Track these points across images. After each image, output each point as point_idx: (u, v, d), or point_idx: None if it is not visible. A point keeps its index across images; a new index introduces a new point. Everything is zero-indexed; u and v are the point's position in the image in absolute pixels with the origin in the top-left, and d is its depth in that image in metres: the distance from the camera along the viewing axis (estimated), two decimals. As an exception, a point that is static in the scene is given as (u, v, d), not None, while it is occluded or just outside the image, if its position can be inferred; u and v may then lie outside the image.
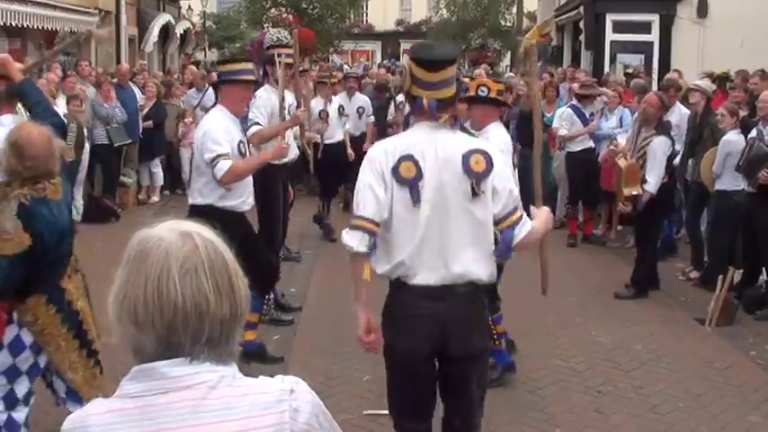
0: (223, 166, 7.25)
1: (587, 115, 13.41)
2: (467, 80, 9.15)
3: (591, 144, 13.36)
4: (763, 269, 10.21)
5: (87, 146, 14.10)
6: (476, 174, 4.54)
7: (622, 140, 11.47)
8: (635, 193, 10.10)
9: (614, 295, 10.50)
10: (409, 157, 4.53)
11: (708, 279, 10.51)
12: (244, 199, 7.70)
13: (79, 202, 14.20)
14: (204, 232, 2.04)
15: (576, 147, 13.44)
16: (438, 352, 4.65)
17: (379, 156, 4.58)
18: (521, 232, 4.66)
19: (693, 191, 11.57)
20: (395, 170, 4.52)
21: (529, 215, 4.88)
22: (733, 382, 7.88)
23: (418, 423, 4.80)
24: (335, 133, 13.42)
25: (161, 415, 1.95)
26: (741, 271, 10.05)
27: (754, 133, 9.91)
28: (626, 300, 10.36)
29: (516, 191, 4.70)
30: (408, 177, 4.51)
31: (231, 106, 7.59)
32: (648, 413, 7.13)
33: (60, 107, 13.27)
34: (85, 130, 13.96)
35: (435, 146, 4.57)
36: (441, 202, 4.54)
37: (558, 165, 14.44)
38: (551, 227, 5.41)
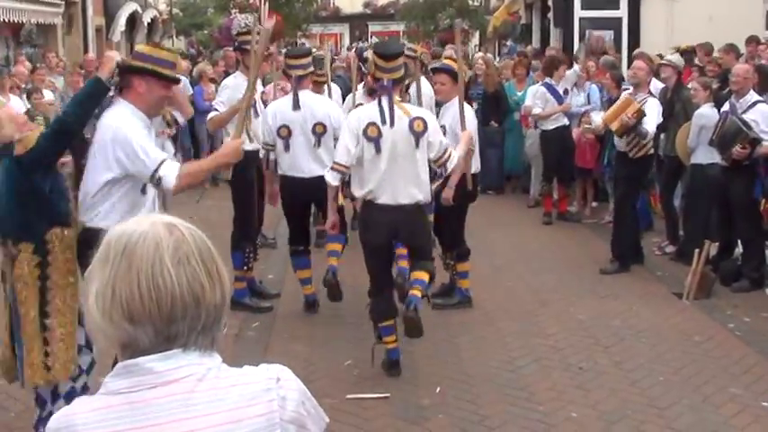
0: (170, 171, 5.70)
1: (561, 92, 13.41)
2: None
3: (565, 121, 13.38)
4: (739, 242, 10.26)
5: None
6: (417, 133, 7.13)
7: (596, 117, 11.50)
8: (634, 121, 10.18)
9: (600, 271, 10.54)
10: (373, 123, 7.12)
11: (684, 253, 10.56)
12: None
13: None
14: (183, 222, 2.04)
15: (549, 125, 13.44)
16: (394, 240, 7.51)
17: (354, 121, 7.27)
18: (451, 163, 7.35)
19: (666, 165, 11.60)
20: (364, 131, 7.13)
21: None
22: (713, 354, 7.93)
23: (381, 284, 7.52)
24: None
25: (150, 410, 1.94)
26: (717, 244, 10.10)
27: (726, 107, 9.96)
28: (605, 275, 10.42)
29: (445, 140, 7.42)
30: (373, 136, 7.12)
31: (143, 104, 5.82)
32: (629, 388, 7.16)
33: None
34: (54, 123, 13.86)
35: (391, 114, 7.11)
36: (394, 151, 7.10)
37: (532, 143, 14.45)
38: (470, 146, 8.10)
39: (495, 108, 15.19)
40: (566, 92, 13.50)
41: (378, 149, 7.09)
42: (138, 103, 5.72)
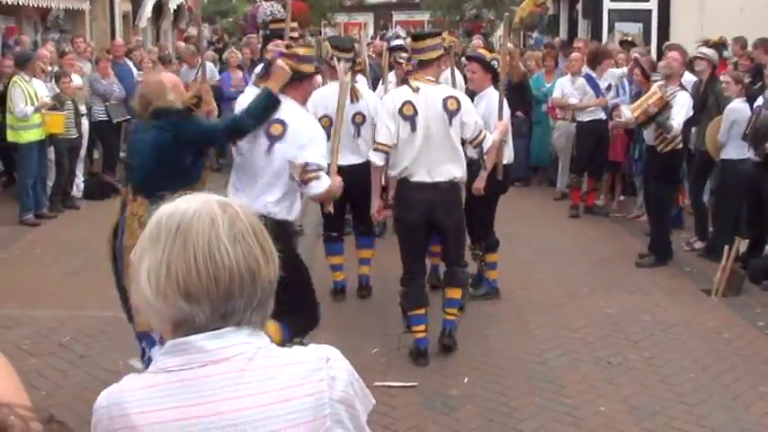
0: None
1: (602, 86, 13.34)
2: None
3: (602, 115, 13.24)
4: (769, 238, 10.18)
5: (86, 123, 14.07)
6: (450, 111, 7.29)
7: (626, 110, 11.43)
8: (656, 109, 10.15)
9: (636, 265, 10.48)
10: (408, 102, 7.29)
11: (713, 249, 10.48)
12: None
13: (80, 179, 14.22)
14: (236, 201, 2.05)
15: (586, 117, 13.38)
16: (430, 222, 7.43)
17: (389, 102, 7.46)
18: (486, 145, 7.56)
19: (697, 160, 11.51)
20: (400, 110, 7.30)
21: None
22: (743, 352, 7.87)
23: (414, 268, 7.58)
24: None
25: (201, 388, 1.94)
26: (747, 241, 10.00)
27: (760, 101, 9.87)
28: (637, 269, 10.38)
29: (480, 121, 7.57)
30: (408, 114, 7.27)
31: (304, 100, 6.81)
32: (659, 384, 7.13)
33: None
34: (83, 107, 13.91)
35: (425, 93, 7.31)
36: (428, 129, 7.26)
37: (559, 135, 14.40)
38: (505, 134, 8.29)
39: (520, 99, 15.11)
40: (609, 87, 13.39)
41: (413, 127, 7.25)
42: (301, 99, 6.65)
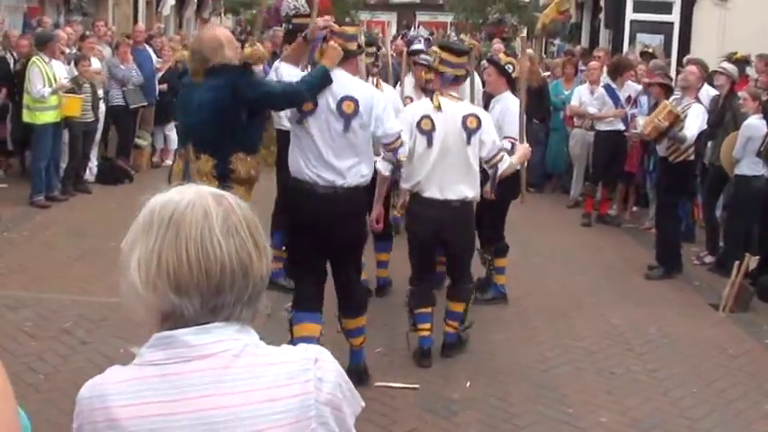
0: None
1: (622, 97, 13.29)
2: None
3: (621, 126, 13.15)
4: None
5: (103, 107, 14.08)
6: (470, 129, 7.19)
7: (642, 122, 11.38)
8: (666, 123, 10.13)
9: (645, 277, 10.45)
10: (427, 116, 7.20)
11: (723, 264, 10.44)
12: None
13: (94, 163, 14.24)
14: (230, 194, 2.03)
15: (604, 126, 13.33)
16: (438, 238, 7.40)
17: (408, 114, 7.42)
18: (502, 167, 7.42)
19: (711, 174, 11.49)
20: (418, 124, 7.20)
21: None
22: (747, 369, 7.84)
23: (423, 273, 7.59)
24: None
25: (184, 383, 1.91)
26: (757, 258, 9.96)
27: (776, 119, 9.86)
28: (645, 280, 10.36)
29: (498, 141, 7.49)
30: (426, 129, 7.18)
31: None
32: (661, 397, 7.10)
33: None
34: (101, 91, 13.92)
35: (446, 110, 7.20)
36: (445, 145, 7.17)
37: (575, 143, 14.38)
38: (527, 159, 8.26)
39: (538, 105, 15.06)
40: (628, 99, 13.33)
41: (429, 143, 7.18)
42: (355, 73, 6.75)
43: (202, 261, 1.90)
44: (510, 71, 8.63)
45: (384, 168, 7.07)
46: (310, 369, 2.00)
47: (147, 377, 1.92)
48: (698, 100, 10.53)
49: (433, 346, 7.52)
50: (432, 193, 7.24)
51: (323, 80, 6.30)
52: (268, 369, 1.96)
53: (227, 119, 5.94)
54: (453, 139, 7.18)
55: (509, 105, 8.39)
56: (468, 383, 7.11)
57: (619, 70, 13.58)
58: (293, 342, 6.22)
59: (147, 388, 1.91)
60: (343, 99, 6.34)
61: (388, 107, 6.70)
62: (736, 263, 9.44)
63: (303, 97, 6.24)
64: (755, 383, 7.49)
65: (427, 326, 7.46)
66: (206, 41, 6.15)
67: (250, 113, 6.09)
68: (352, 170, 6.45)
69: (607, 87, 13.37)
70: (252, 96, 6.00)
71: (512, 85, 8.61)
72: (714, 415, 6.82)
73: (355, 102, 6.36)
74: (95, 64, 13.93)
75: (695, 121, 10.11)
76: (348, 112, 6.36)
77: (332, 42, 6.47)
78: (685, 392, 7.19)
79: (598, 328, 8.63)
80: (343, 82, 6.41)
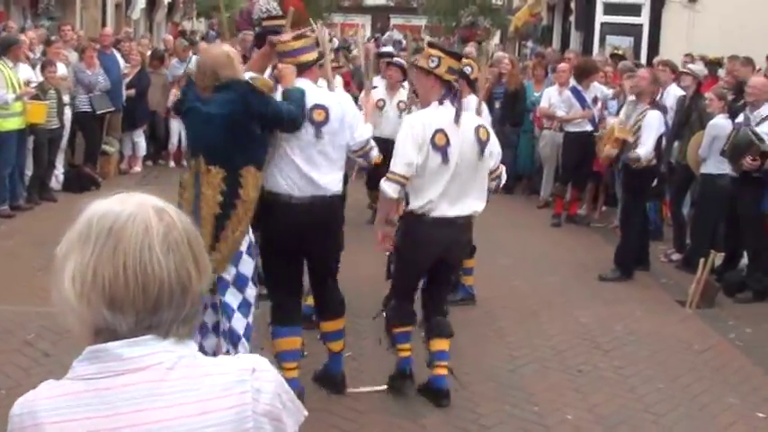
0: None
1: (588, 99, 13.33)
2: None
3: (589, 127, 13.15)
4: (744, 253, 10.22)
5: (69, 113, 13.94)
6: (482, 141, 6.59)
7: (611, 122, 11.43)
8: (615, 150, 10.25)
9: (598, 277, 10.44)
10: (441, 130, 6.45)
11: (690, 261, 10.53)
12: None
13: (60, 171, 14.09)
14: (172, 207, 1.96)
15: (573, 127, 13.38)
16: (438, 260, 6.78)
17: (418, 128, 6.48)
18: (502, 179, 7.04)
19: (678, 173, 11.58)
20: (432, 139, 6.43)
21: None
22: (712, 364, 7.90)
23: (410, 289, 7.03)
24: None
25: (116, 398, 1.86)
26: (722, 254, 10.06)
27: (741, 118, 9.92)
28: (606, 281, 10.35)
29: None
30: (441, 144, 6.44)
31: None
32: (627, 393, 7.14)
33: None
34: (66, 97, 13.79)
35: (458, 121, 6.52)
36: (461, 161, 6.50)
37: (545, 144, 14.42)
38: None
39: (512, 109, 15.09)
40: (595, 100, 13.37)
41: (445, 159, 6.46)
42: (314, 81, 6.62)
43: (140, 277, 1.84)
44: (468, 73, 8.50)
45: (392, 190, 6.50)
46: (247, 380, 1.95)
47: (78, 392, 1.88)
48: (654, 104, 10.46)
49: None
50: (441, 211, 6.55)
51: (303, 101, 6.30)
52: (203, 381, 1.91)
53: (239, 132, 6.01)
54: (469, 153, 6.55)
55: (476, 109, 8.06)
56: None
57: (585, 73, 13.62)
58: (278, 357, 6.47)
59: (79, 403, 1.86)
60: (312, 108, 6.31)
61: (357, 113, 6.67)
62: (702, 260, 9.50)
63: (299, 124, 6.25)
64: (720, 378, 7.56)
65: (407, 346, 7.04)
66: (216, 57, 6.20)
67: (261, 128, 6.14)
68: (327, 179, 6.40)
69: (573, 89, 13.42)
70: (264, 112, 6.05)
71: (472, 87, 8.51)
72: (679, 409, 6.87)
73: (325, 109, 6.34)
74: (61, 69, 13.78)
75: (650, 133, 10.11)
76: (319, 119, 6.32)
77: (279, 66, 6.51)
78: (651, 388, 7.23)
79: (566, 327, 8.66)
80: (310, 91, 6.38)
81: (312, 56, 6.58)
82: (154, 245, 1.85)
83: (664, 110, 10.71)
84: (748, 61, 13.47)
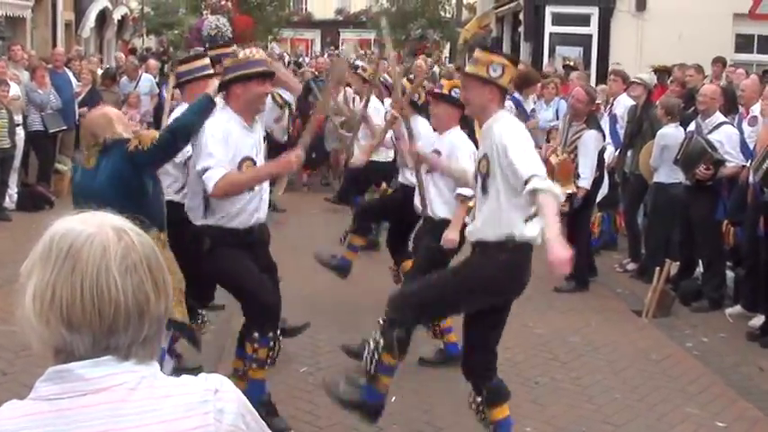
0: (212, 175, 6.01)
1: (528, 110, 13.43)
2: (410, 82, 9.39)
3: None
4: (699, 261, 10.31)
5: (21, 132, 13.87)
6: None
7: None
8: (569, 191, 9.92)
9: (554, 289, 10.44)
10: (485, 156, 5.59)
11: (645, 271, 10.62)
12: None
13: (13, 190, 14.00)
14: (133, 228, 1.95)
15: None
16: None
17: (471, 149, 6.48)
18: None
19: (632, 183, 11.66)
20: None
21: None
22: (670, 373, 7.94)
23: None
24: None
25: (78, 419, 1.84)
26: (677, 263, 10.14)
27: (692, 127, 10.02)
28: (562, 293, 10.39)
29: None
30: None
31: (242, 104, 6.25)
32: (586, 404, 7.16)
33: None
34: (18, 117, 13.70)
35: None
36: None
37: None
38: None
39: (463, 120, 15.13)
40: (533, 111, 13.50)
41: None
42: (237, 105, 6.17)
43: (96, 300, 1.83)
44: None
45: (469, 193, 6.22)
46: (210, 400, 1.94)
47: (41, 412, 1.86)
48: (589, 124, 10.40)
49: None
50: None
51: (202, 108, 6.11)
52: (165, 401, 1.90)
53: (131, 192, 5.76)
54: None
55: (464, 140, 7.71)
56: (394, 398, 7.07)
57: (526, 83, 13.73)
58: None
59: (41, 424, 1.84)
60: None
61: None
62: (658, 269, 9.58)
63: (191, 125, 6.06)
64: (678, 387, 7.60)
65: (390, 380, 6.15)
66: (95, 119, 6.12)
67: (154, 184, 6.06)
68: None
69: (513, 99, 13.47)
70: (151, 157, 5.88)
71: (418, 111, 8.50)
72: (638, 420, 6.89)
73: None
74: (14, 89, 13.71)
75: (586, 158, 10.18)
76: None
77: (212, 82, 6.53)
78: (609, 399, 7.26)
79: (522, 338, 8.66)
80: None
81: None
82: (111, 267, 1.84)
83: (599, 127, 10.68)
84: (700, 69, 13.64)
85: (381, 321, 6.04)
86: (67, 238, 1.87)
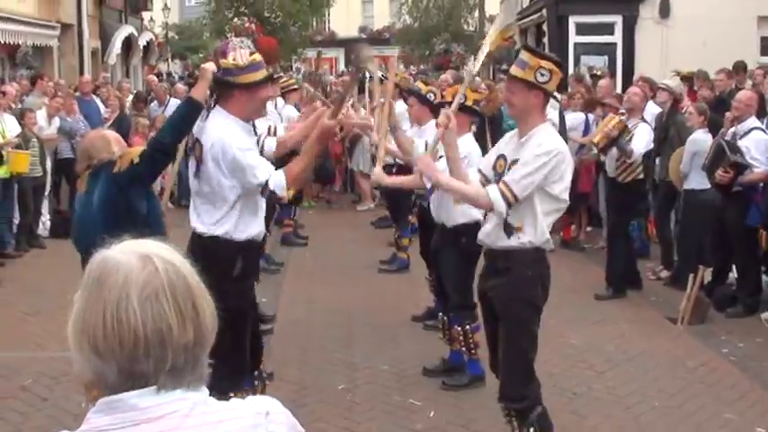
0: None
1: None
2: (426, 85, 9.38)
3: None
4: (733, 267, 10.25)
5: (49, 161, 14.00)
6: None
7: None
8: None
9: (594, 297, 10.45)
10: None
11: (678, 278, 10.56)
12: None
13: (46, 217, 14.14)
14: (166, 253, 1.94)
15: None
16: None
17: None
18: None
19: (661, 190, 11.63)
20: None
21: None
22: (706, 380, 7.91)
23: None
24: None
25: None
26: (711, 269, 10.08)
27: (728, 134, 10.00)
28: (601, 300, 10.37)
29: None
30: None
31: (245, 111, 5.81)
32: (624, 414, 7.14)
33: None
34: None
35: None
36: None
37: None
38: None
39: (491, 134, 15.07)
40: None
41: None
42: (239, 110, 5.69)
43: (116, 327, 1.84)
44: (431, 99, 8.63)
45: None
46: (261, 423, 1.96)
47: None
48: (643, 120, 10.68)
49: None
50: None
51: (185, 114, 5.73)
52: (218, 427, 1.91)
53: (121, 215, 5.57)
54: None
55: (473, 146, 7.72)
56: (432, 413, 7.11)
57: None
58: None
59: None
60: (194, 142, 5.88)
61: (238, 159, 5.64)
62: (691, 276, 9.54)
63: (166, 143, 5.76)
64: (714, 394, 7.57)
65: None
66: (93, 139, 6.05)
67: (149, 203, 5.93)
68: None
69: (561, 111, 13.38)
70: (128, 181, 5.70)
71: (435, 113, 8.45)
72: (676, 428, 6.87)
73: (201, 145, 5.70)
74: (40, 117, 13.89)
75: (642, 138, 10.26)
76: (197, 155, 5.81)
77: (205, 65, 6.05)
78: (647, 407, 7.23)
79: (557, 349, 8.64)
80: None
81: (248, 78, 5.72)
82: (131, 295, 1.85)
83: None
84: (730, 73, 13.57)
85: (513, 422, 5.84)
86: (99, 266, 1.90)
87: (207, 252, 5.49)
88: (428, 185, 6.55)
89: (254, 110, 5.85)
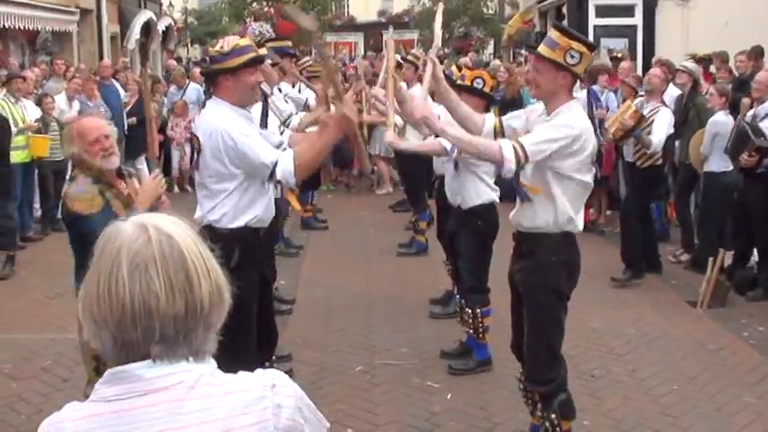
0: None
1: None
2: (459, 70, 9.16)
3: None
4: (754, 250, 10.19)
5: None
6: None
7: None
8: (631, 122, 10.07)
9: (611, 279, 10.41)
10: None
11: (698, 261, 10.50)
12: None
13: (64, 200, 14.21)
14: (165, 225, 1.94)
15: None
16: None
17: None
18: None
19: (681, 173, 11.57)
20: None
21: None
22: (726, 363, 7.88)
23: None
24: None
25: (139, 419, 1.88)
26: (731, 252, 10.03)
27: (748, 114, 9.93)
28: (618, 283, 10.33)
29: None
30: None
31: (237, 96, 5.64)
32: (643, 396, 7.13)
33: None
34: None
35: None
36: None
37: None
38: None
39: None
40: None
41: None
42: (231, 98, 5.57)
43: (106, 297, 1.87)
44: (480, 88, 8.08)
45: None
46: (267, 396, 1.97)
47: (101, 414, 1.90)
48: (663, 103, 10.57)
49: None
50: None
51: None
52: (224, 399, 1.93)
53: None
54: None
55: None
56: (450, 395, 7.11)
57: (594, 74, 13.59)
58: None
59: (104, 425, 1.89)
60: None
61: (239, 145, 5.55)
62: (711, 259, 9.49)
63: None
64: (735, 376, 7.54)
65: None
66: (72, 126, 5.99)
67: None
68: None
69: (592, 93, 13.25)
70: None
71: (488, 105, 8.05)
72: (696, 410, 6.84)
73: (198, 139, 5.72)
74: (60, 100, 13.94)
75: (662, 127, 10.14)
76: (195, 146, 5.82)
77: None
78: (666, 390, 7.21)
79: (577, 332, 8.60)
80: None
81: (233, 62, 5.56)
82: (122, 265, 1.87)
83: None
84: (751, 55, 13.46)
85: (538, 405, 5.82)
86: (104, 236, 1.94)
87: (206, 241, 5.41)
88: (448, 147, 6.53)
89: (243, 94, 5.63)
